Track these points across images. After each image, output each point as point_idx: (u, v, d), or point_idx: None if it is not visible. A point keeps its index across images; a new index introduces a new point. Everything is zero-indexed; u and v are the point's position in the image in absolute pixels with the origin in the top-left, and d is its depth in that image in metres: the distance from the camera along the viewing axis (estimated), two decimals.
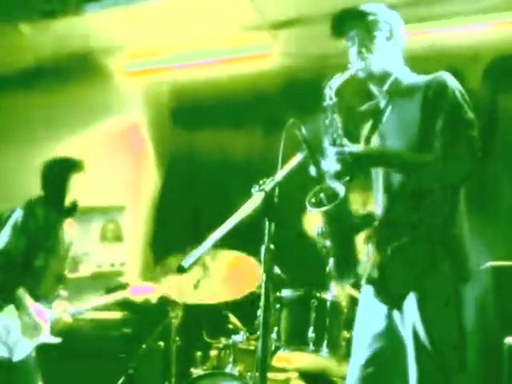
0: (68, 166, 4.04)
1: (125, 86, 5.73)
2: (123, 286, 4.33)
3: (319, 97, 2.47)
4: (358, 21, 2.52)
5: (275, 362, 3.63)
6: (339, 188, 2.30)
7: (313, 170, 2.28)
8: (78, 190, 4.05)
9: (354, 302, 3.32)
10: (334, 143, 2.36)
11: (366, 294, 2.53)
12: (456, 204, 2.44)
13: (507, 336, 3.61)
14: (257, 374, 2.09)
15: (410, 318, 2.33)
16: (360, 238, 2.48)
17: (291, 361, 3.70)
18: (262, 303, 2.06)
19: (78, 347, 4.61)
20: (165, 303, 4.09)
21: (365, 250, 2.48)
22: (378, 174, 2.52)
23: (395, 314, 2.40)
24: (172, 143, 5.87)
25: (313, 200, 2.32)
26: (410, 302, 2.34)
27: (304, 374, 3.81)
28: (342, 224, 2.38)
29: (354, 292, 3.51)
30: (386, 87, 2.54)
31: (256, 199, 2.08)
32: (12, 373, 3.74)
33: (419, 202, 2.38)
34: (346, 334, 3.37)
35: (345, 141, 2.39)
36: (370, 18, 2.52)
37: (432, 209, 2.38)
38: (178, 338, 4.01)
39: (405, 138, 2.42)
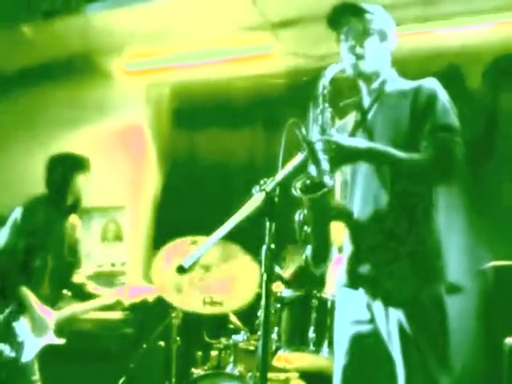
0: (73, 163, 3.99)
1: (125, 86, 5.73)
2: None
3: None
4: (356, 16, 2.52)
5: (275, 362, 3.63)
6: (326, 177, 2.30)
7: (313, 170, 2.28)
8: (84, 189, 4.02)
9: None
10: (323, 132, 2.36)
11: (345, 295, 2.53)
12: (433, 211, 2.46)
13: (508, 336, 3.61)
14: (257, 374, 2.09)
15: (395, 315, 2.34)
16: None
17: (292, 361, 3.70)
18: (262, 303, 2.06)
19: (78, 347, 4.61)
20: (165, 303, 4.08)
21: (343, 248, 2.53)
22: (356, 175, 2.51)
23: (378, 312, 2.40)
24: (173, 143, 5.87)
25: (299, 185, 2.32)
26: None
27: (304, 375, 3.80)
28: (322, 212, 2.41)
29: None
30: (374, 86, 2.55)
31: (257, 199, 2.08)
32: (18, 373, 3.72)
33: (398, 206, 2.39)
34: None
35: (333, 131, 2.39)
36: (368, 16, 2.53)
37: (408, 215, 2.39)
38: (178, 338, 4.00)
39: (392, 138, 2.42)
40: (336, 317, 2.58)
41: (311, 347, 3.33)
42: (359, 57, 2.49)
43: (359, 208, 2.48)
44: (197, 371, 3.89)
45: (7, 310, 3.73)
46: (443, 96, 2.44)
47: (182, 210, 5.40)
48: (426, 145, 2.36)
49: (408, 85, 2.52)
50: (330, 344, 3.30)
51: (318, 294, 3.41)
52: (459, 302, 3.47)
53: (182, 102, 5.83)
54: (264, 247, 2.08)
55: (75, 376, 4.50)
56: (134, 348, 4.28)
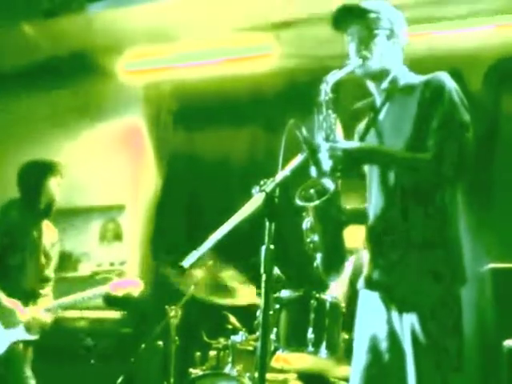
0: (43, 169, 4.10)
1: (126, 86, 5.73)
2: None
3: None
4: (359, 18, 2.49)
5: (274, 362, 3.62)
6: (329, 184, 2.29)
7: (313, 171, 2.28)
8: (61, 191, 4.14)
9: (353, 302, 3.31)
10: (327, 139, 2.35)
11: (365, 297, 2.52)
12: (453, 205, 2.43)
13: (506, 338, 3.61)
14: (256, 374, 2.09)
15: (408, 319, 2.33)
16: (349, 235, 2.49)
17: (290, 362, 3.69)
18: (261, 303, 2.05)
19: (76, 347, 4.61)
20: (164, 303, 4.08)
21: (360, 252, 2.48)
22: (372, 174, 2.51)
23: (394, 316, 2.39)
24: (172, 143, 5.87)
25: (302, 194, 2.31)
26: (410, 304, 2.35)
27: (303, 375, 3.80)
28: (330, 219, 2.37)
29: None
30: (383, 85, 2.52)
31: (257, 200, 2.08)
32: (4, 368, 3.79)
33: (415, 203, 2.37)
34: (345, 335, 3.36)
35: (338, 137, 2.38)
36: (372, 15, 2.49)
37: (429, 210, 2.37)
38: (177, 338, 4.00)
39: (401, 136, 2.40)
40: (357, 319, 2.55)
41: (310, 348, 3.31)
42: (365, 58, 2.46)
43: (375, 207, 2.45)
44: (195, 371, 3.89)
45: None
46: (452, 89, 2.38)
47: (181, 210, 5.40)
48: (431, 143, 2.32)
49: (417, 79, 2.48)
50: (329, 345, 3.30)
51: (317, 295, 3.40)
52: None
53: (182, 101, 5.82)
54: (263, 248, 2.07)
55: (74, 376, 4.50)
56: (132, 348, 4.27)
